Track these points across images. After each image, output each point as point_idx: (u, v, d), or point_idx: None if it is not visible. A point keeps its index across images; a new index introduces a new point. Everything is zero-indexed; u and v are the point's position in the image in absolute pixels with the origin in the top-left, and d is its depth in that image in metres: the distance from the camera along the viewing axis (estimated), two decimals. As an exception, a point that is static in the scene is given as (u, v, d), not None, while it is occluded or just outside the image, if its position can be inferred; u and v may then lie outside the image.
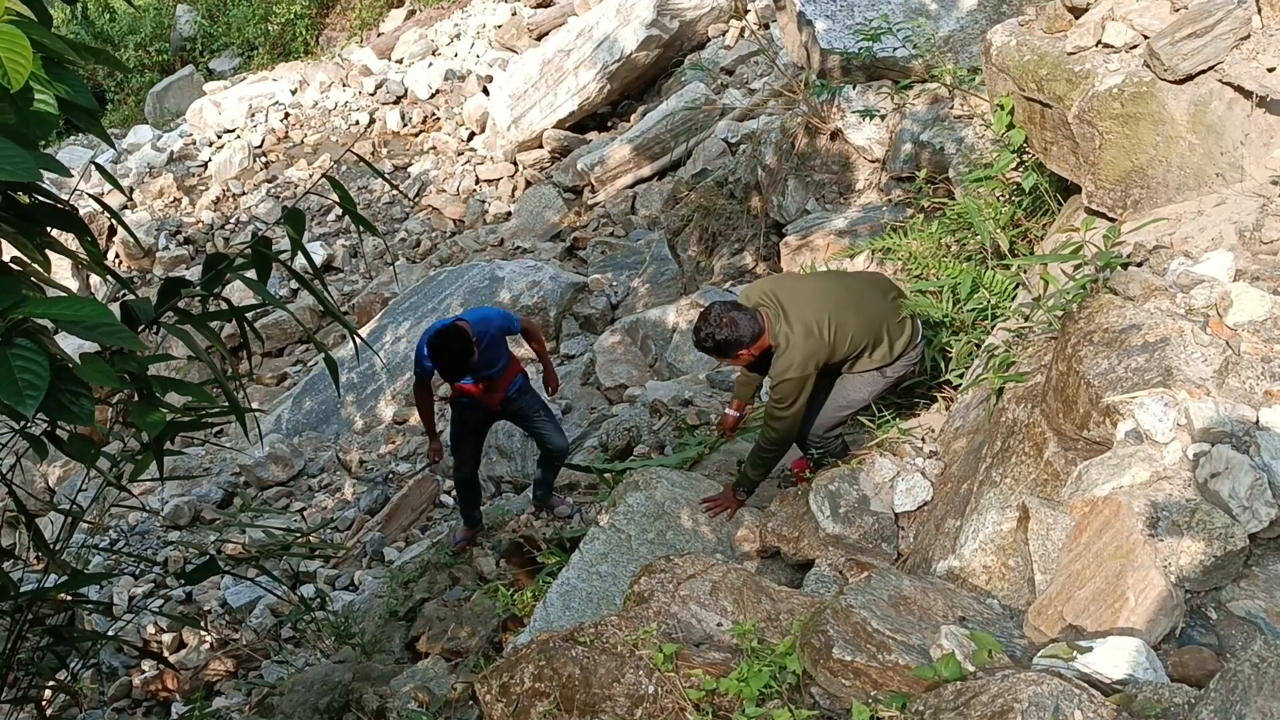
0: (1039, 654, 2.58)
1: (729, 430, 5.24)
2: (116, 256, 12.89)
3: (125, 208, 13.51)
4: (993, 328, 4.77)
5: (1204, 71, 3.98)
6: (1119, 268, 3.73)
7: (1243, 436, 2.96)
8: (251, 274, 3.20)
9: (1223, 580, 2.80)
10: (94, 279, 11.57)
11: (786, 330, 4.36)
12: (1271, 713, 1.89)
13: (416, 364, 5.55)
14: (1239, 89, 3.93)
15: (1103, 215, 4.31)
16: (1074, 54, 4.38)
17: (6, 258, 2.47)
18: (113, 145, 3.35)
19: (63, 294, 2.54)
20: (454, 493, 7.71)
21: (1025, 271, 4.77)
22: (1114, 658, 2.45)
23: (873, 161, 8.00)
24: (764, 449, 4.58)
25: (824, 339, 4.39)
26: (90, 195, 3.65)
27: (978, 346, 4.80)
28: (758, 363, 4.59)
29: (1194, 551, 2.77)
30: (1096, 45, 4.35)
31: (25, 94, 2.21)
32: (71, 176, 2.67)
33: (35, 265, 2.81)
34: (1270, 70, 3.83)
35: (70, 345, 7.73)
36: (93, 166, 3.48)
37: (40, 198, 2.78)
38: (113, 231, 12.57)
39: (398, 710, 4.68)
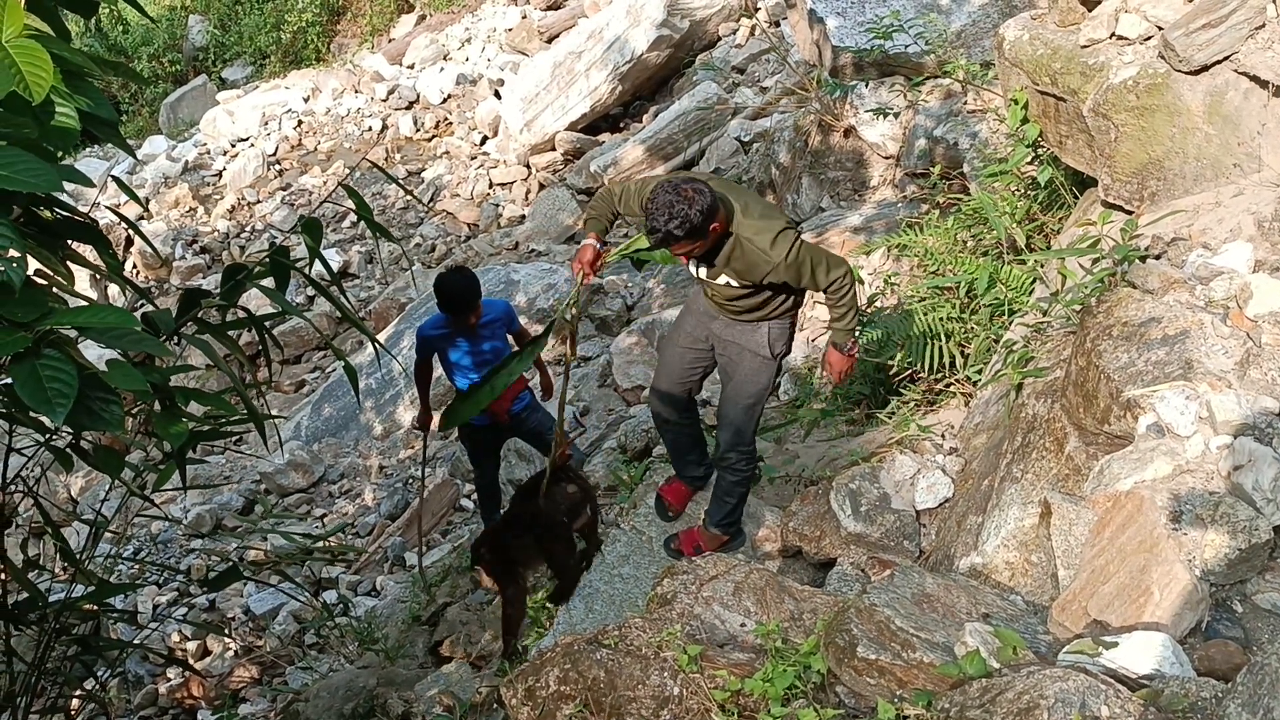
0: (1064, 650, 2.57)
1: (590, 266, 4.17)
2: (134, 267, 12.96)
3: (142, 218, 13.58)
4: (1010, 323, 4.76)
5: (1219, 62, 3.96)
6: (1137, 261, 3.72)
7: (1265, 428, 2.95)
8: (270, 283, 3.23)
9: (1248, 573, 2.79)
10: (112, 290, 11.64)
11: (733, 206, 3.84)
12: (1300, 706, 1.89)
13: (418, 343, 5.60)
14: (1255, 78, 3.91)
15: (1119, 208, 4.29)
16: (1087, 47, 4.36)
17: (30, 271, 2.49)
18: (134, 155, 3.38)
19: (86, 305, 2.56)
20: (474, 497, 7.73)
21: (1042, 266, 4.76)
22: (1140, 653, 2.45)
23: (887, 158, 7.98)
24: (848, 292, 4.01)
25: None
26: (108, 207, 3.69)
27: (996, 342, 4.79)
28: (708, 252, 3.90)
29: (1218, 545, 2.76)
30: (1110, 38, 4.34)
31: (46, 107, 2.23)
32: (95, 187, 2.70)
33: (58, 278, 2.84)
34: (1286, 59, 3.80)
35: (92, 356, 7.77)
36: (110, 178, 3.51)
37: (61, 211, 2.80)
38: (130, 242, 12.64)
39: (423, 715, 4.70)
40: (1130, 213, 4.22)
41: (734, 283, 3.96)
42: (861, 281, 4.31)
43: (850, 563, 4.18)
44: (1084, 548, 2.99)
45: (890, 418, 5.02)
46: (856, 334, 4.17)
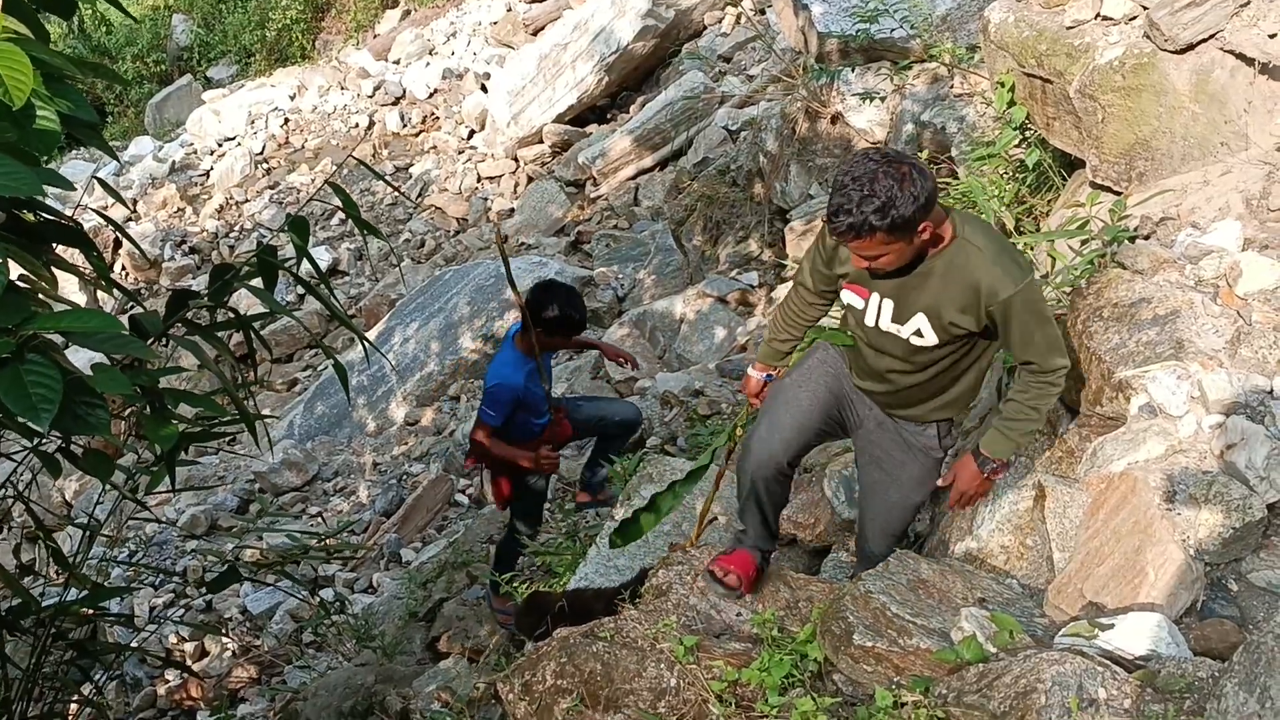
0: (1060, 633, 2.58)
1: (755, 396, 3.43)
2: (123, 269, 12.91)
3: (129, 220, 13.52)
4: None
5: (1205, 40, 3.96)
6: (1126, 241, 3.72)
7: (1257, 406, 2.96)
8: (258, 283, 3.21)
9: (1242, 551, 2.80)
10: (101, 293, 11.60)
11: (959, 220, 2.78)
12: (1296, 683, 1.89)
13: (507, 398, 4.87)
14: (1241, 56, 3.91)
15: (1108, 189, 4.29)
16: (1073, 28, 4.36)
17: (14, 276, 2.47)
18: (116, 158, 3.36)
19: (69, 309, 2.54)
20: (469, 495, 7.72)
21: (1032, 249, 4.75)
22: (1136, 634, 2.45)
23: (874, 144, 7.97)
24: (1054, 393, 2.89)
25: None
26: (94, 210, 3.66)
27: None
28: (902, 268, 2.77)
29: (1212, 524, 2.77)
30: (1095, 18, 4.33)
31: (27, 111, 2.21)
32: (75, 190, 2.68)
33: (43, 283, 2.82)
34: (1271, 36, 3.80)
35: (80, 361, 7.75)
36: (95, 181, 3.49)
37: (45, 215, 2.78)
38: (118, 244, 12.58)
39: (421, 711, 4.70)
40: (1119, 193, 4.22)
41: (927, 332, 2.82)
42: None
43: (845, 550, 4.18)
44: (1078, 530, 2.99)
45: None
46: (1011, 455, 3.00)
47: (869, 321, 2.91)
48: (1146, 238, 3.85)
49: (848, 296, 2.96)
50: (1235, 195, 3.85)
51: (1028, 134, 4.96)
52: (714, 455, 3.61)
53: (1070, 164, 4.87)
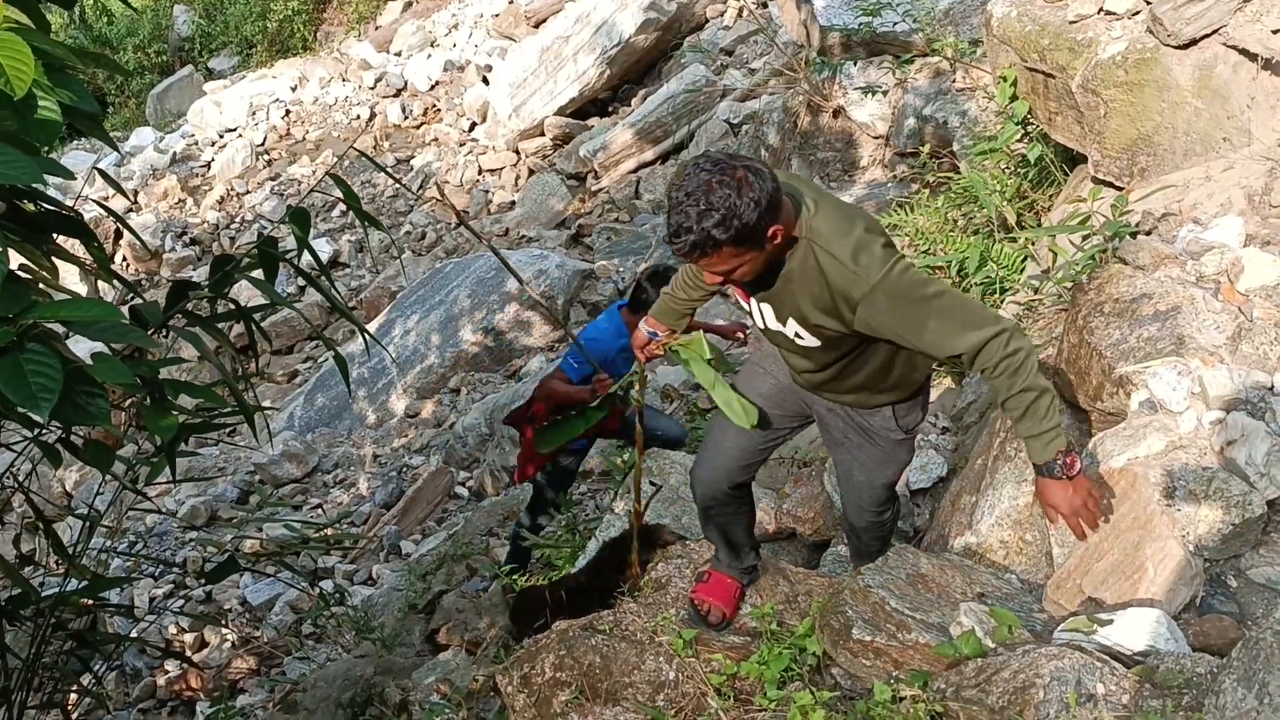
0: (1059, 628, 2.57)
1: (646, 349, 3.15)
2: (124, 260, 12.92)
3: (130, 211, 13.53)
4: (1002, 301, 4.75)
5: (1208, 36, 3.95)
6: (1128, 237, 3.71)
7: (1258, 403, 2.95)
8: (258, 274, 3.21)
9: (1242, 548, 2.80)
10: (102, 284, 11.60)
11: (810, 210, 2.50)
12: (1295, 679, 1.89)
13: (568, 369, 4.97)
14: (1244, 52, 3.90)
15: (1110, 184, 4.29)
16: (1075, 22, 4.35)
17: (14, 266, 2.47)
18: (116, 149, 3.35)
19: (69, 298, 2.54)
20: (471, 486, 7.72)
21: (1033, 244, 4.75)
22: (1135, 629, 2.45)
23: (876, 138, 7.96)
24: (1019, 365, 2.45)
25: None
26: (95, 200, 3.66)
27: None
28: (761, 275, 2.54)
29: (1212, 520, 2.76)
30: (1098, 13, 4.32)
31: (28, 101, 2.21)
32: (75, 179, 2.67)
33: (43, 272, 2.82)
34: (1275, 32, 3.80)
35: (81, 352, 7.75)
36: (95, 171, 3.49)
37: (46, 205, 2.78)
38: (119, 235, 12.59)
39: (420, 703, 4.70)
40: (1120, 189, 4.21)
41: (805, 335, 2.61)
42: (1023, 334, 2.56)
43: (844, 544, 4.18)
44: (1078, 525, 2.99)
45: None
46: (1065, 441, 2.53)
47: (759, 324, 2.74)
48: (1148, 233, 3.84)
49: (736, 297, 2.84)
50: (1237, 191, 3.84)
51: (1030, 129, 4.96)
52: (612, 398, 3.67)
53: (1072, 159, 4.86)
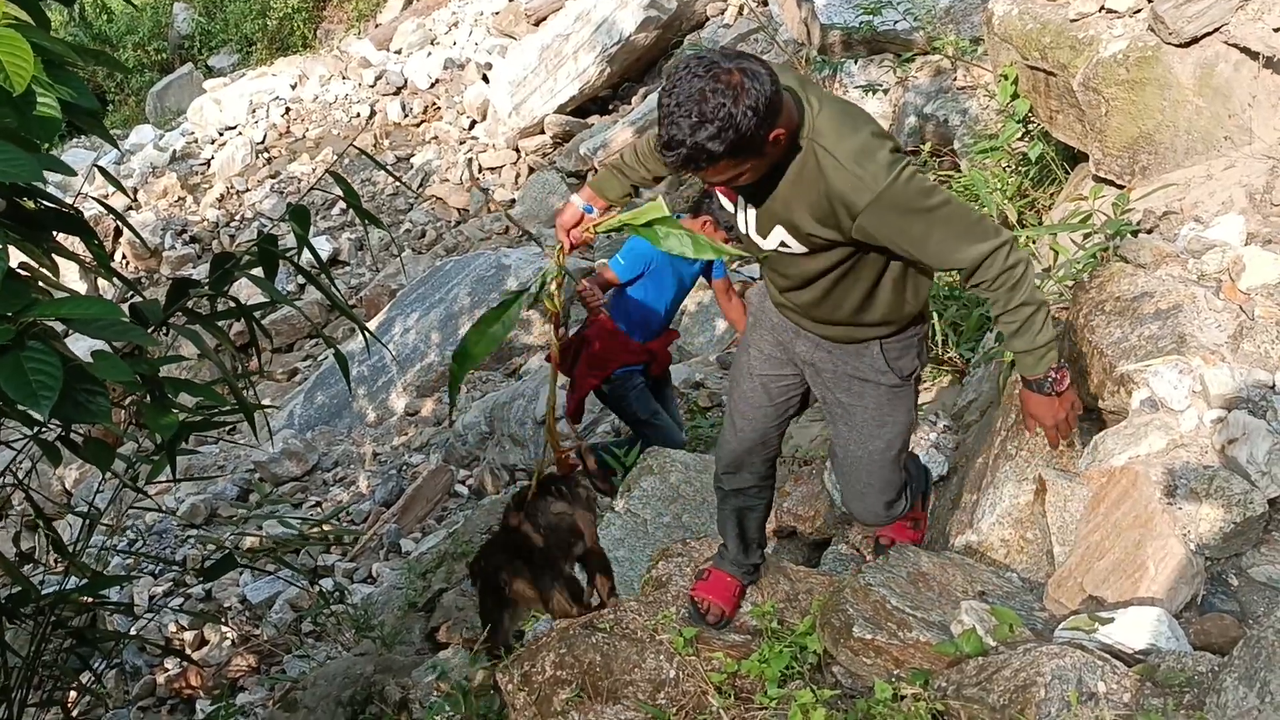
0: (1060, 626, 2.57)
1: (573, 232, 2.75)
2: (123, 258, 12.91)
3: (130, 208, 13.52)
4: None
5: (1209, 34, 3.95)
6: (1129, 235, 3.71)
7: (1259, 401, 2.95)
8: (259, 272, 3.21)
9: (1243, 546, 2.79)
10: (101, 282, 11.59)
11: (814, 107, 2.33)
12: (1297, 678, 1.89)
13: (614, 265, 4.92)
14: (1245, 50, 3.90)
15: (1111, 183, 4.29)
16: (1077, 20, 4.35)
17: (14, 264, 2.47)
18: (116, 146, 3.34)
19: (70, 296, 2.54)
20: (473, 482, 7.71)
21: (1034, 242, 4.75)
22: (1136, 628, 2.45)
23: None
24: (1017, 279, 2.39)
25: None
26: (94, 198, 3.65)
27: (989, 319, 4.79)
28: (762, 180, 2.36)
29: (1213, 518, 2.76)
30: (1099, 11, 4.32)
31: (27, 97, 2.20)
32: (76, 175, 2.67)
33: (43, 270, 2.82)
34: (1276, 30, 3.80)
35: (80, 351, 7.75)
36: (95, 169, 3.49)
37: (45, 202, 2.78)
38: (118, 233, 12.58)
39: (420, 701, 4.70)
40: (1122, 187, 4.21)
41: (791, 243, 2.45)
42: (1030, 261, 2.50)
43: (845, 542, 4.18)
44: (1079, 524, 2.99)
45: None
46: (1056, 357, 2.53)
47: (742, 229, 2.56)
48: (1149, 232, 3.84)
49: (724, 200, 2.60)
50: (1238, 189, 3.84)
51: (1031, 127, 4.96)
52: (524, 300, 2.78)
53: (1073, 157, 4.86)
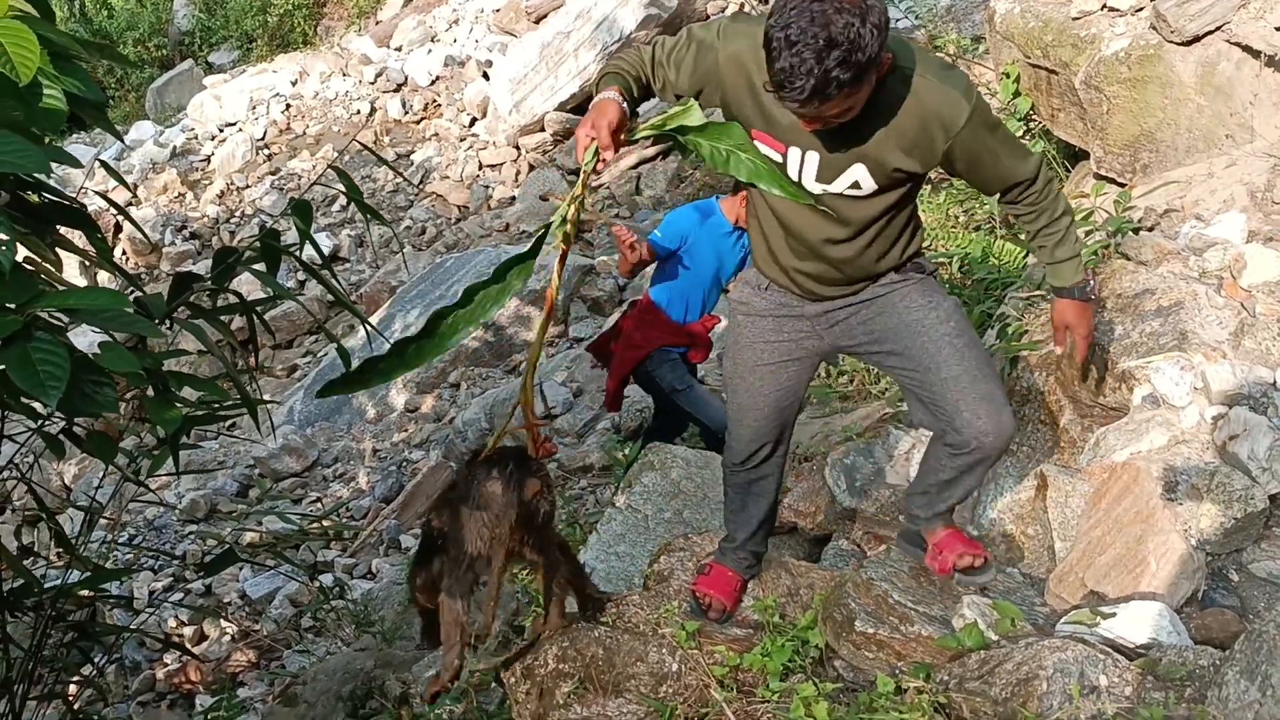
0: (1062, 621, 2.58)
1: (613, 135, 2.30)
2: (124, 253, 12.91)
3: (130, 204, 13.51)
4: (1004, 297, 4.76)
5: (1211, 32, 3.96)
6: (1130, 233, 3.72)
7: (1260, 398, 2.96)
8: (261, 267, 3.20)
9: (1244, 542, 2.81)
10: (102, 276, 11.59)
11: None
12: (1298, 672, 1.90)
13: (652, 238, 4.63)
14: (1247, 49, 3.91)
15: (1112, 180, 4.30)
16: (1079, 19, 4.35)
17: (19, 257, 2.47)
18: (121, 139, 3.34)
19: (76, 288, 2.54)
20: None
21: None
22: (1137, 622, 2.46)
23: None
24: (1058, 191, 2.48)
25: None
26: (96, 192, 3.65)
27: (989, 317, 4.79)
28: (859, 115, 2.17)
29: (1214, 514, 2.77)
30: (1101, 9, 4.33)
31: (33, 89, 2.20)
32: (83, 167, 2.67)
33: (47, 264, 2.82)
34: (1278, 29, 3.80)
35: (82, 345, 7.76)
36: (97, 164, 3.49)
37: (49, 196, 2.78)
38: (118, 229, 12.57)
39: (421, 695, 4.71)
40: (1123, 185, 4.22)
41: (867, 182, 2.30)
42: None
43: (846, 538, 4.18)
44: (1080, 519, 3.00)
45: (884, 393, 5.02)
46: (1087, 265, 2.59)
47: (794, 177, 2.35)
48: (1150, 229, 3.85)
49: (761, 148, 2.34)
50: (1240, 188, 3.85)
51: (1032, 125, 4.96)
52: (543, 238, 2.46)
53: (1074, 155, 4.87)
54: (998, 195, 2.45)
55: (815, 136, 2.23)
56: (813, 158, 2.29)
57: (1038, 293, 4.23)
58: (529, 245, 2.40)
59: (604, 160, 2.27)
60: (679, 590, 3.10)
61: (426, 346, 2.45)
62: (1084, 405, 3.41)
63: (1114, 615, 2.50)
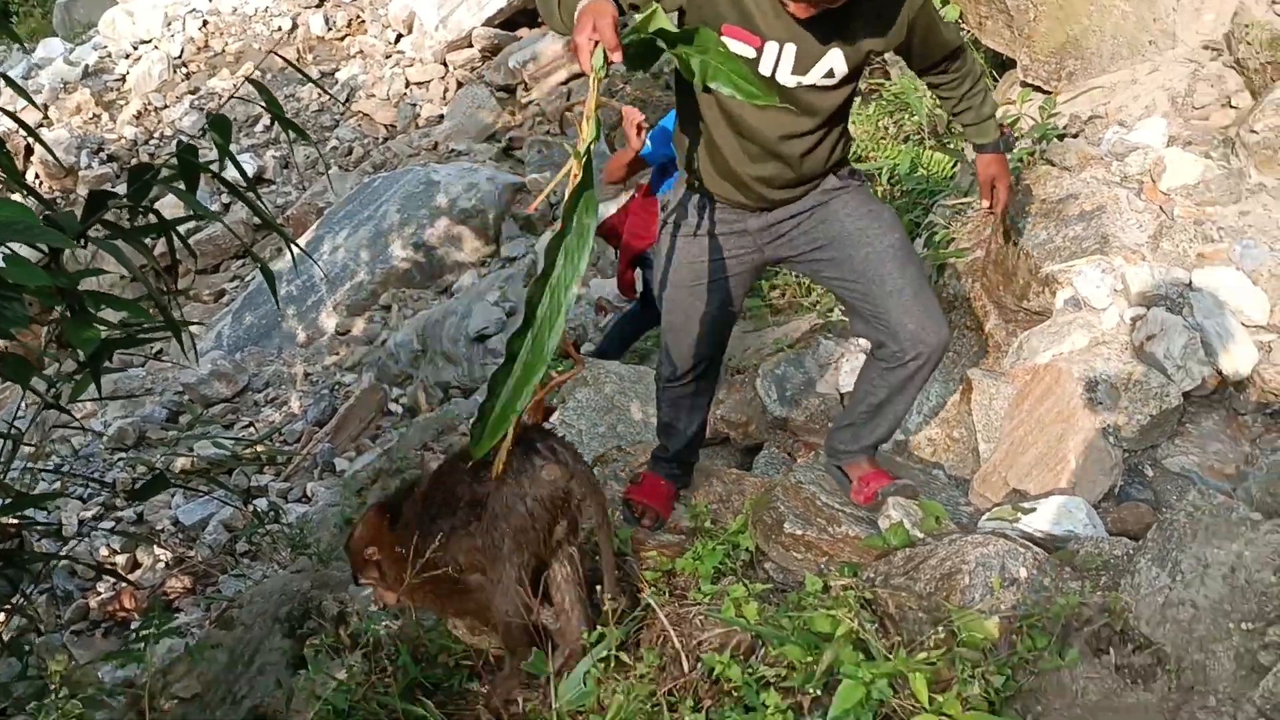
0: (984, 518, 2.65)
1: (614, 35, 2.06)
2: (36, 177, 12.47)
3: (41, 125, 13.03)
4: (932, 206, 4.79)
5: (1135, -63, 3.96)
6: (1055, 139, 3.75)
7: (1176, 299, 3.02)
8: (180, 185, 3.11)
9: (1159, 438, 2.89)
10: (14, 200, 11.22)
11: None
12: (1204, 557, 1.97)
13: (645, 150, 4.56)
14: (1170, -47, 3.92)
15: (1038, 89, 4.32)
16: (1006, -76, 4.33)
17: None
18: (24, 48, 3.20)
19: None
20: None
21: (963, 149, 4.78)
22: (1056, 517, 2.53)
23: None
24: (981, 72, 2.68)
25: None
26: (4, 110, 3.48)
27: (918, 226, 4.83)
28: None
29: (1131, 412, 2.85)
30: (1028, -86, 4.31)
31: (-77, -4, 2.10)
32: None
33: (-50, 180, 2.71)
34: (1200, -67, 3.81)
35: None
36: (1, 81, 3.33)
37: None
38: (29, 151, 12.14)
39: (358, 613, 4.72)
40: (1049, 92, 4.24)
41: (840, 68, 2.33)
42: None
43: (777, 446, 4.24)
44: (1004, 421, 3.06)
45: (815, 305, 5.06)
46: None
47: (766, 72, 2.32)
48: (1075, 136, 3.88)
49: (732, 45, 2.27)
50: (1161, 93, 3.89)
51: (961, 33, 4.95)
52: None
53: (1002, 64, 4.88)
54: (930, 68, 2.58)
55: (799, 26, 2.24)
56: (790, 49, 2.30)
57: (965, 199, 4.26)
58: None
59: (612, 61, 2.09)
60: (612, 499, 3.12)
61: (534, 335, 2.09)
62: (1008, 310, 3.46)
63: (1034, 511, 2.56)
